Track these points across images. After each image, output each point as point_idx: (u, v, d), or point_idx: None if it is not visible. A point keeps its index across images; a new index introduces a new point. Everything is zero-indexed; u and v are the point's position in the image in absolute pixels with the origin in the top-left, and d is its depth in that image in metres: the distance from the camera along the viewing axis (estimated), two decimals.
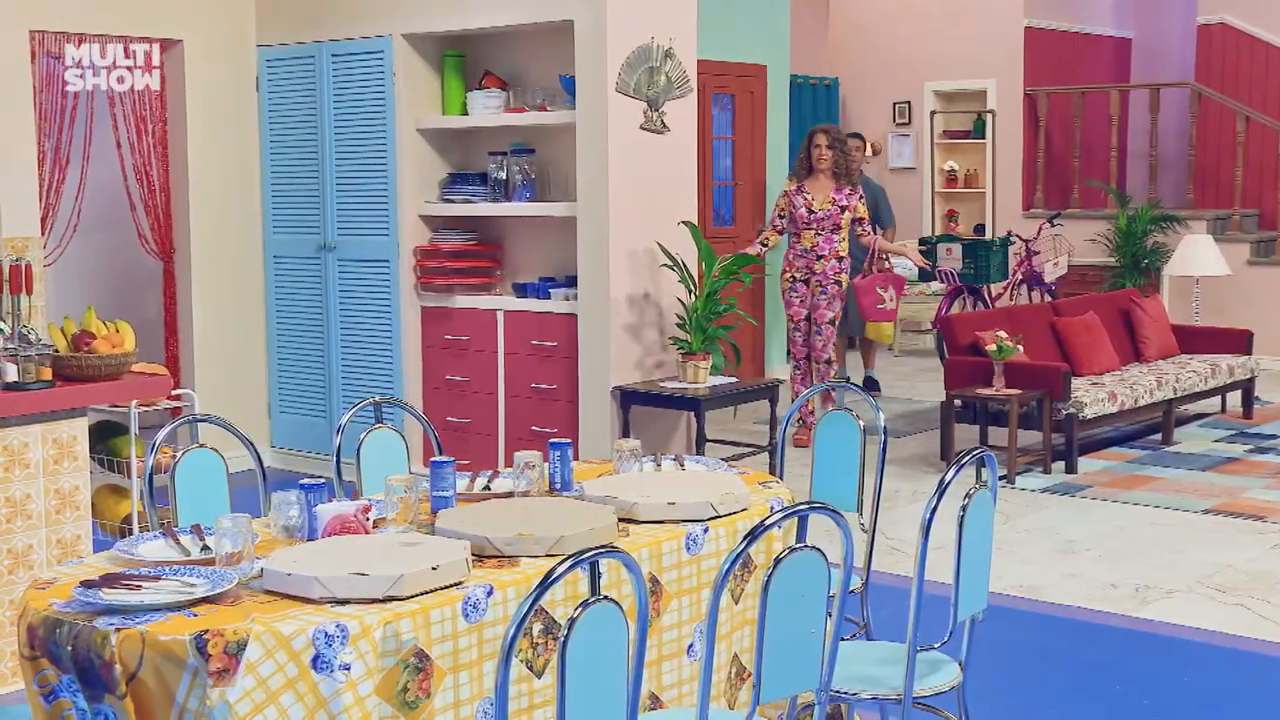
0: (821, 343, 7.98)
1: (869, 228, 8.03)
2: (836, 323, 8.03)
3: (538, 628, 2.94)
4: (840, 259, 7.91)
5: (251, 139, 7.68)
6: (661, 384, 6.63)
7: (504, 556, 3.04)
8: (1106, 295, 9.44)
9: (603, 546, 2.55)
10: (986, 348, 7.41)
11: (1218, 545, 6.10)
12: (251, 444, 3.83)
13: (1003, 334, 7.44)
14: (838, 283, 7.93)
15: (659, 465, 3.91)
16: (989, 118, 12.78)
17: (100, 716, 2.64)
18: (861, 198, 7.98)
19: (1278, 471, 7.45)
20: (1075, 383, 7.68)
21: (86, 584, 2.76)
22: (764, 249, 7.90)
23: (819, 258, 7.88)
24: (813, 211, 7.83)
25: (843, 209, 7.85)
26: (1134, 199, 11.75)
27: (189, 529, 3.25)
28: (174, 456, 3.72)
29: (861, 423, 4.01)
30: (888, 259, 8.35)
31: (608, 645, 2.49)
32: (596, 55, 6.46)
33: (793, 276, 7.96)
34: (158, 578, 2.84)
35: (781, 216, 7.94)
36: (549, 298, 6.87)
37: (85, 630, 2.63)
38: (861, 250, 8.31)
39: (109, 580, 2.79)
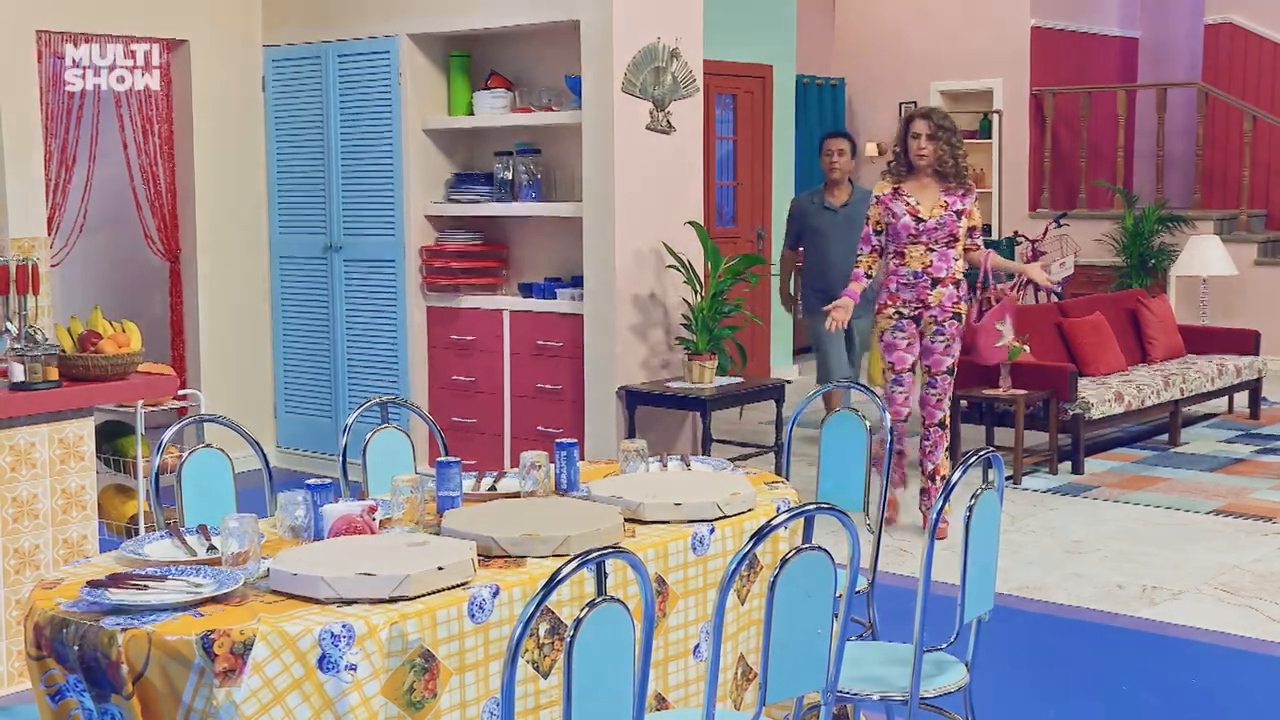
0: (936, 398, 6.16)
1: (980, 239, 6.22)
2: (954, 371, 6.21)
3: (544, 628, 2.94)
4: (957, 283, 6.09)
5: (257, 139, 7.69)
6: (667, 384, 6.63)
7: (510, 557, 3.04)
8: (1113, 295, 9.43)
9: (609, 547, 2.54)
10: None
11: (1224, 546, 6.09)
12: (258, 444, 3.83)
13: None
14: (957, 316, 6.10)
15: (665, 465, 3.90)
16: (995, 118, 12.76)
17: (106, 716, 2.64)
18: (976, 199, 6.17)
19: None
20: (1082, 383, 7.67)
21: (93, 584, 2.76)
22: (869, 280, 6.22)
23: (934, 283, 6.03)
24: (921, 220, 6.01)
25: (958, 215, 6.03)
26: (1141, 199, 11.74)
27: (195, 529, 3.25)
28: (180, 456, 3.72)
29: (868, 423, 4.01)
30: (1004, 280, 6.49)
31: (614, 646, 2.49)
32: (603, 55, 6.46)
33: (898, 312, 6.08)
34: (164, 578, 2.84)
35: (878, 231, 6.12)
36: (555, 298, 6.87)
37: (92, 630, 2.63)
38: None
39: (115, 580, 2.79)
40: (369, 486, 3.91)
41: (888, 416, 4.21)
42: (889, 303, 6.13)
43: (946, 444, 6.23)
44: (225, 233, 7.59)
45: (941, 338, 6.09)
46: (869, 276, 6.19)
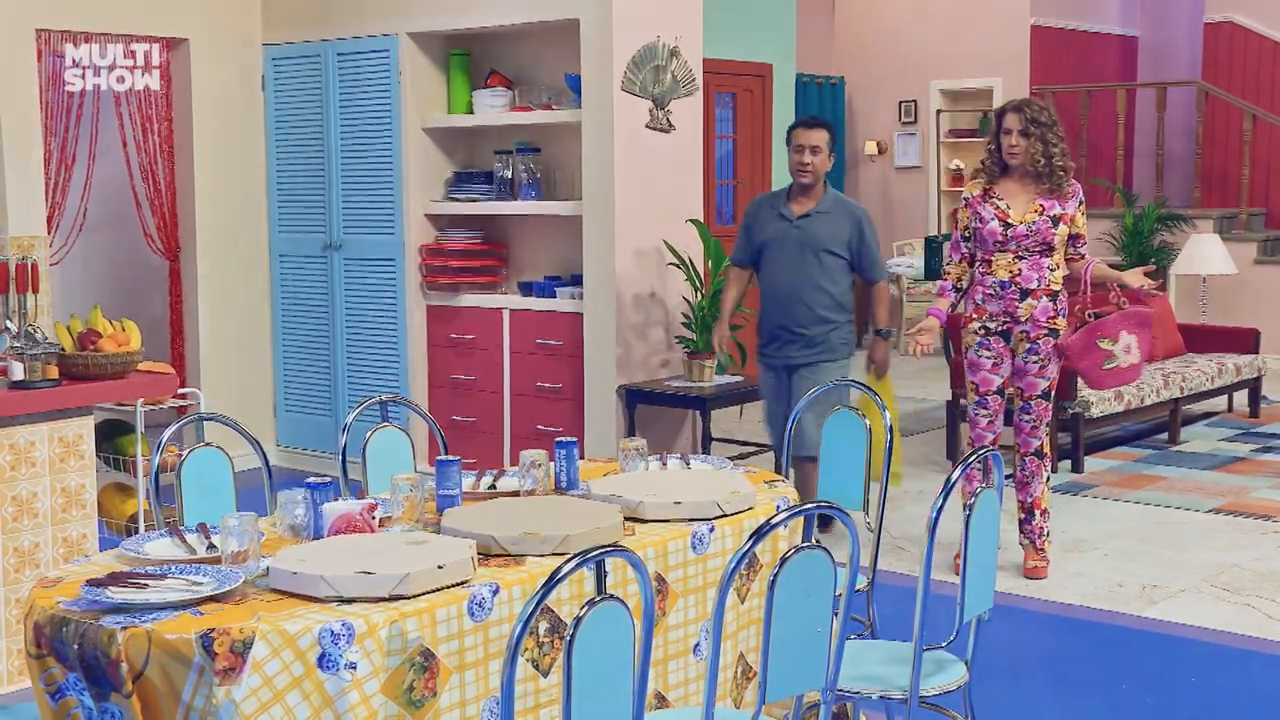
0: (1030, 424, 5.52)
1: (1084, 249, 5.54)
2: (1051, 395, 5.55)
3: (543, 627, 2.94)
4: (1053, 295, 5.43)
5: (257, 138, 7.68)
6: (667, 383, 6.63)
7: (509, 555, 3.04)
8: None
9: (608, 545, 2.54)
10: None
11: (1224, 545, 6.09)
12: (257, 443, 3.83)
13: None
14: (1052, 332, 5.44)
15: (664, 464, 3.90)
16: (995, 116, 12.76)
17: (106, 715, 2.64)
18: (1081, 204, 5.47)
19: None
20: (1081, 381, 7.67)
21: (93, 582, 2.76)
22: (959, 296, 5.60)
23: (1024, 294, 5.39)
24: (1010, 226, 5.36)
25: (1055, 220, 5.37)
26: (1140, 198, 11.74)
27: (195, 527, 3.25)
28: (180, 455, 3.72)
29: (867, 422, 4.01)
30: (1112, 289, 5.73)
31: (613, 644, 2.49)
32: (602, 54, 6.46)
33: (985, 327, 5.47)
34: (164, 576, 2.84)
35: (966, 238, 5.51)
36: (554, 296, 6.87)
37: (91, 629, 2.63)
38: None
39: (115, 579, 2.79)
40: (369, 485, 3.92)
41: (888, 415, 4.19)
42: (975, 316, 5.50)
43: (1047, 474, 5.62)
44: (225, 232, 7.59)
45: (1035, 357, 5.44)
46: (958, 290, 5.56)
